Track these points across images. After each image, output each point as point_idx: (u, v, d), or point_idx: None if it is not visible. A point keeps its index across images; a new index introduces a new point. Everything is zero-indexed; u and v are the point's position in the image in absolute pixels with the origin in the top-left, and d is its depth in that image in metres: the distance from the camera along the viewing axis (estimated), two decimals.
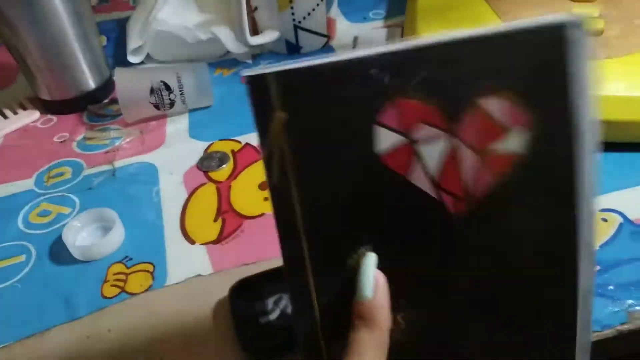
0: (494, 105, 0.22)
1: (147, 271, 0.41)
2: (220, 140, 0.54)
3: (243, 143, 0.53)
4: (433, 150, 0.23)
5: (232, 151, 0.52)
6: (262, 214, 0.45)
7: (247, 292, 0.37)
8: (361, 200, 0.25)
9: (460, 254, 0.24)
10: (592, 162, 0.22)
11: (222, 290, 0.38)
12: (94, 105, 0.59)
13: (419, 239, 0.25)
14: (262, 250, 0.41)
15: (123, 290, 0.40)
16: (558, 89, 0.21)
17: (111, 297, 0.39)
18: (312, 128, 0.24)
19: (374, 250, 0.25)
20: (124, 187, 0.49)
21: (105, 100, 0.61)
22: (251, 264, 0.40)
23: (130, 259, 0.42)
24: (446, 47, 0.21)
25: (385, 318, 0.25)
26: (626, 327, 0.35)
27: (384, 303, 0.25)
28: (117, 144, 0.54)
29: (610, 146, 0.47)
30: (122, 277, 0.41)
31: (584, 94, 0.20)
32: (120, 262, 0.42)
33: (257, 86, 0.23)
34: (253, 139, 0.53)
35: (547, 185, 0.22)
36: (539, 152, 0.22)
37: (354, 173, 0.24)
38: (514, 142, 0.22)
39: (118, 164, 0.52)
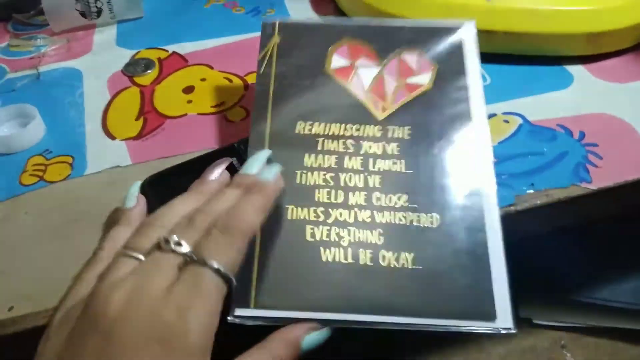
0: (410, 56, 0.39)
1: (66, 162, 0.42)
2: (147, 49, 0.54)
3: (170, 52, 0.53)
4: (367, 73, 0.38)
5: (159, 59, 0.52)
6: (185, 114, 0.46)
7: (161, 184, 0.38)
8: (311, 91, 0.37)
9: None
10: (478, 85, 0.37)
11: (140, 179, 0.39)
12: (19, 15, 0.58)
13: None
14: (181, 147, 0.42)
15: (42, 179, 0.40)
16: (453, 54, 0.38)
17: (29, 185, 0.40)
18: (292, 48, 0.39)
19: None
20: (48, 89, 0.49)
21: (32, 12, 0.59)
22: (169, 158, 0.42)
23: (50, 152, 0.43)
24: (390, 27, 0.39)
25: None
26: (513, 208, 0.38)
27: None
28: (42, 51, 0.54)
29: (516, 59, 0.50)
30: (42, 167, 0.41)
31: (469, 56, 0.38)
32: (39, 154, 0.42)
33: (269, 25, 0.40)
34: (180, 48, 0.54)
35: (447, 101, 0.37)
36: (439, 84, 0.37)
37: (311, 76, 0.38)
38: (421, 79, 0.38)
39: (43, 69, 0.52)
